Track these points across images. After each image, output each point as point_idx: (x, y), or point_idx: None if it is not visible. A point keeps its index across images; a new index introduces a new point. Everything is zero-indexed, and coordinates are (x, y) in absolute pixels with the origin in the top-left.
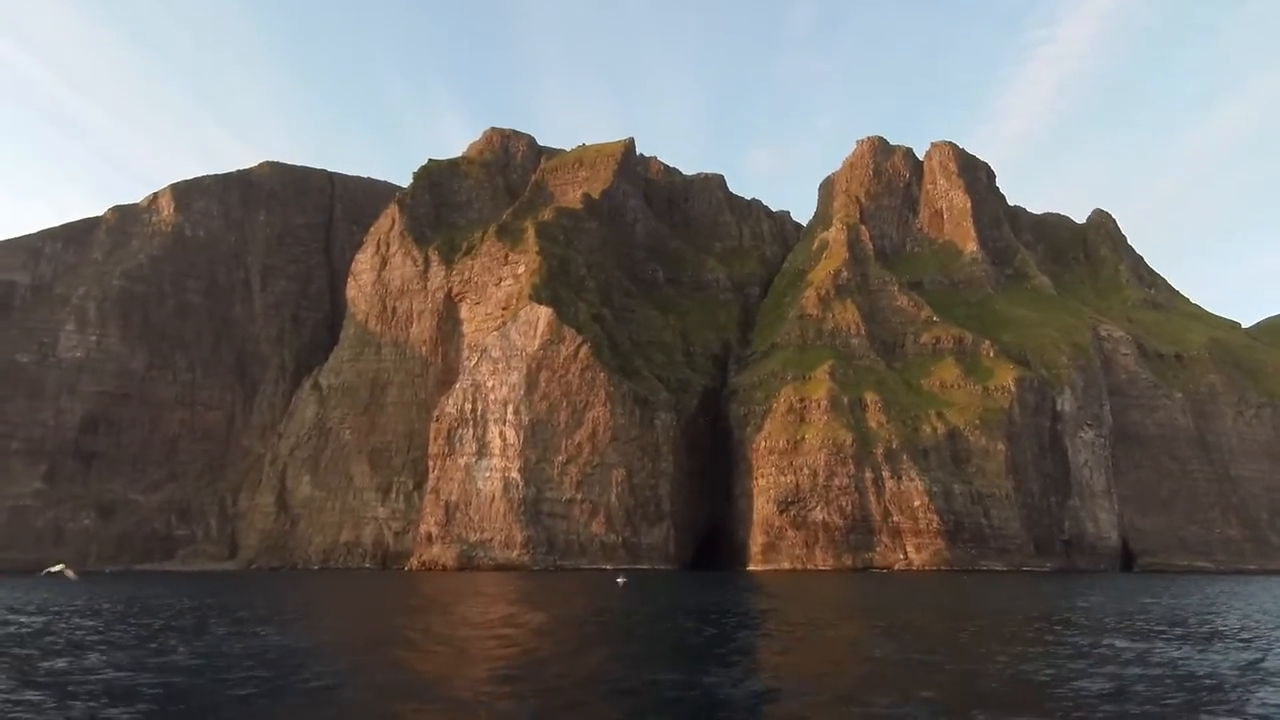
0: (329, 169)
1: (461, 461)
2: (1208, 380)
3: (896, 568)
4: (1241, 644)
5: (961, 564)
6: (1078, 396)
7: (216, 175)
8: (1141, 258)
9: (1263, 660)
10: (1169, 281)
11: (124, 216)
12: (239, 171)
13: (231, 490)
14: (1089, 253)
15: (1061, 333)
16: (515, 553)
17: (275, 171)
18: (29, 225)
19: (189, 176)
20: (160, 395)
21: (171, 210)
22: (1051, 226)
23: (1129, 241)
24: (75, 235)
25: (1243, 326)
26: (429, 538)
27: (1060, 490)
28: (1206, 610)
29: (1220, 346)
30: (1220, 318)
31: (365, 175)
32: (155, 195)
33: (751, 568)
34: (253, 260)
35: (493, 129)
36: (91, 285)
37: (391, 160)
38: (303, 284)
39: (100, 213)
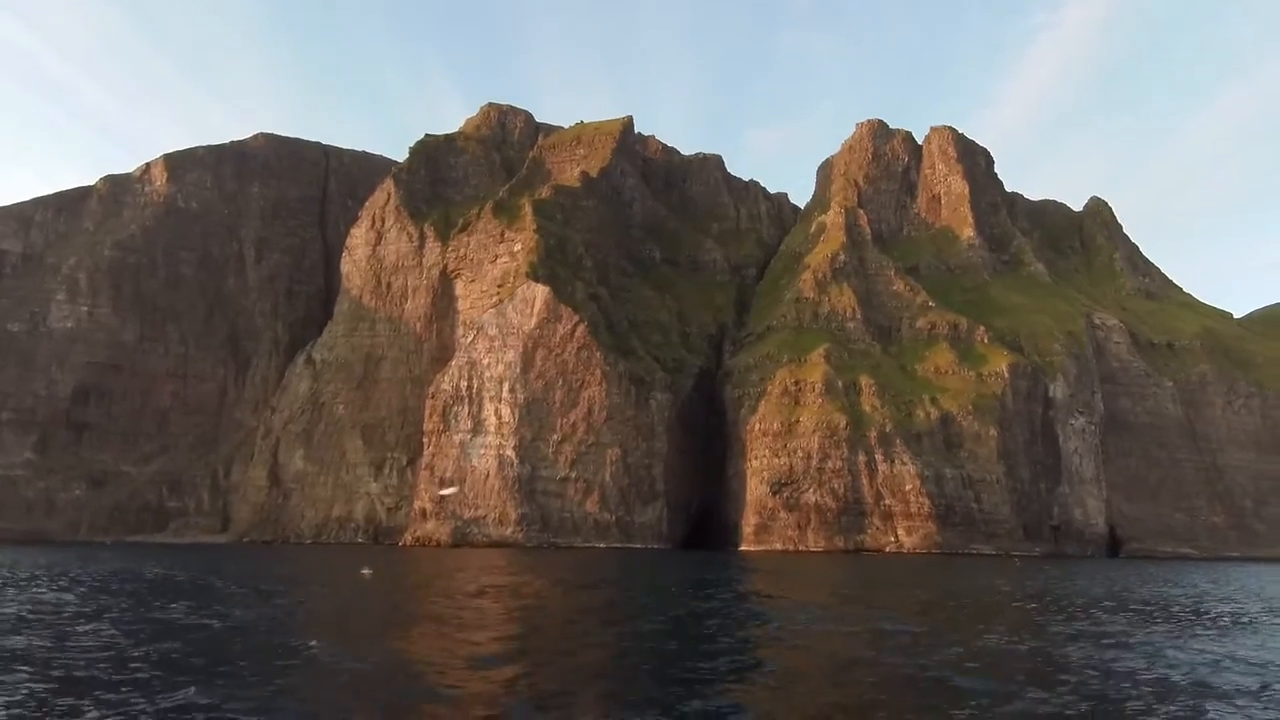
0: (324, 142)
1: (456, 438)
2: (1198, 370)
3: (887, 550)
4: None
5: (951, 547)
6: (1070, 384)
7: (210, 146)
8: (1136, 246)
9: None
10: (1163, 270)
11: (116, 186)
12: (233, 143)
13: (223, 463)
14: (1085, 240)
15: (1056, 320)
16: (509, 530)
17: (269, 143)
18: (20, 194)
19: (182, 147)
20: (152, 367)
21: (164, 181)
22: (1048, 213)
23: (1125, 230)
24: (67, 204)
25: (1234, 317)
26: (423, 514)
27: (1050, 476)
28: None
29: (1212, 336)
30: (1212, 308)
31: (361, 149)
32: (148, 165)
33: (744, 548)
34: (246, 232)
35: (490, 104)
36: (83, 255)
37: (387, 134)
38: (297, 257)
39: (92, 182)
